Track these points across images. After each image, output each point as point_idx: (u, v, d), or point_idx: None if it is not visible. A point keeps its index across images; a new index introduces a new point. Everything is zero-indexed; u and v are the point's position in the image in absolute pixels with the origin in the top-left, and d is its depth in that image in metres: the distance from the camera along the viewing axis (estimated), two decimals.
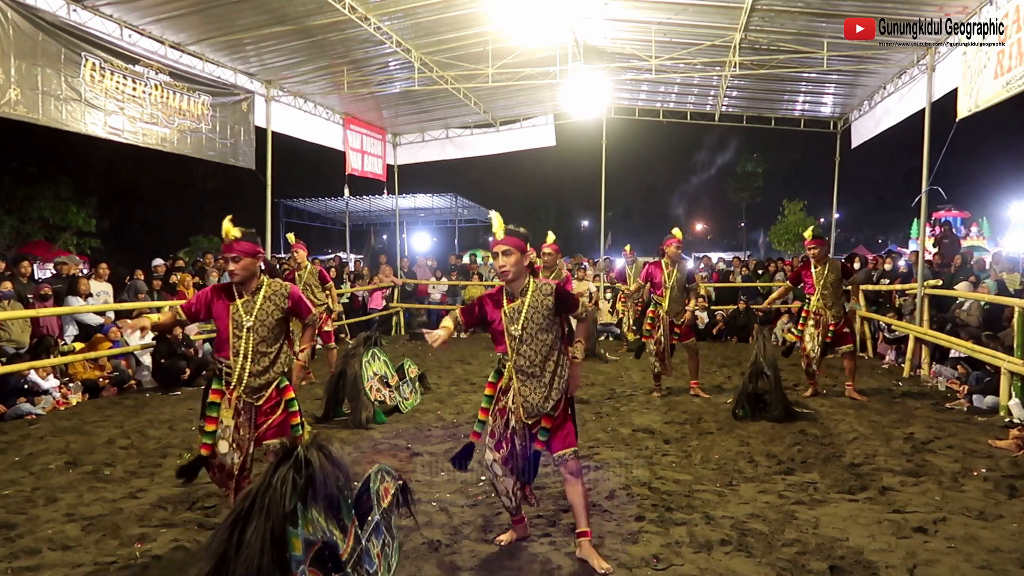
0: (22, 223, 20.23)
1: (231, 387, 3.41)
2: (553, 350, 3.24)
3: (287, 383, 3.55)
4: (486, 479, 4.29)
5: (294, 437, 3.45)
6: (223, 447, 3.37)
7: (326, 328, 7.71)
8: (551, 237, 7.29)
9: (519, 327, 3.20)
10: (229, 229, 3.40)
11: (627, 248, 12.42)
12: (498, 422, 3.30)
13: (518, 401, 3.24)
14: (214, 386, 3.48)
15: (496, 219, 3.23)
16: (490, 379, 3.39)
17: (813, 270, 6.82)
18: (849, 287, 7.22)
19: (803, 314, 6.94)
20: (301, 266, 7.65)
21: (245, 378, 3.39)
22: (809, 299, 6.89)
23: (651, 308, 7.03)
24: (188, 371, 7.97)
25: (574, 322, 3.48)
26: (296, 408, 3.54)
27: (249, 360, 3.39)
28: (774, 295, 7.51)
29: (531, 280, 3.28)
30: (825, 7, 8.12)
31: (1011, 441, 5.04)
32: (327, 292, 7.81)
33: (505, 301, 3.28)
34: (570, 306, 3.31)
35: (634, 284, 10.40)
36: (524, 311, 3.21)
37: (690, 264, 12.63)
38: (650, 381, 7.37)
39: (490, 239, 3.33)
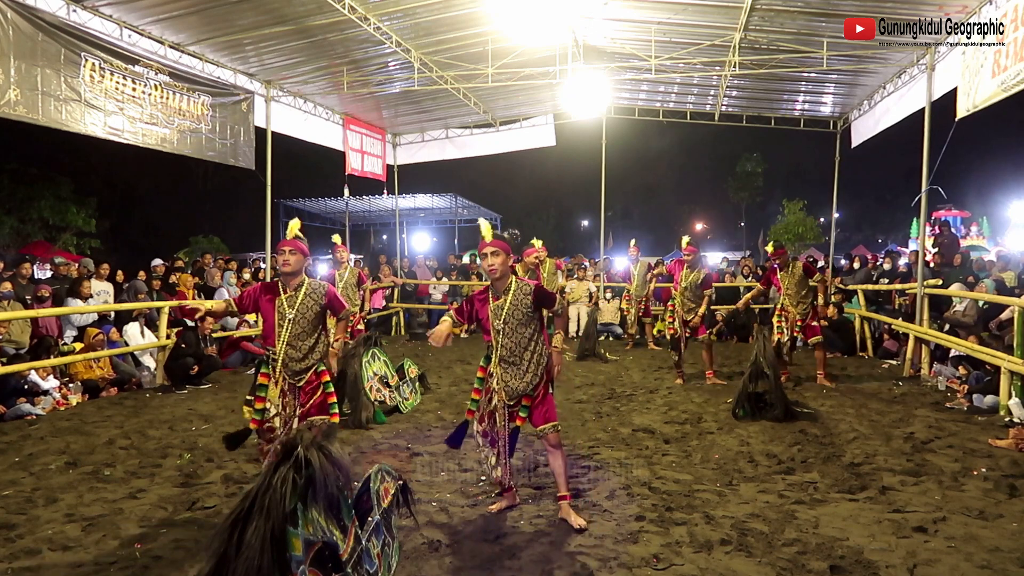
0: (22, 223, 20.23)
1: (276, 370, 3.96)
2: (532, 341, 3.71)
3: (324, 368, 4.06)
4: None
5: (323, 421, 3.95)
6: (276, 421, 3.95)
7: (358, 327, 8.10)
8: (538, 242, 7.93)
9: (501, 322, 3.67)
10: (293, 228, 4.02)
11: (632, 243, 11.74)
12: (483, 399, 3.84)
13: (500, 385, 3.74)
14: (263, 370, 4.02)
15: (484, 225, 3.70)
16: (481, 363, 3.89)
17: (779, 274, 7.70)
18: (816, 284, 7.75)
19: (777, 311, 7.82)
20: (342, 266, 7.95)
21: (287, 362, 3.93)
22: (779, 299, 7.80)
23: (670, 302, 8.06)
24: (196, 368, 7.97)
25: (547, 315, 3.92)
26: (332, 390, 4.05)
27: (290, 347, 3.94)
28: (747, 296, 8.23)
29: (513, 280, 3.72)
30: (825, 7, 8.11)
31: (1011, 440, 5.04)
32: (362, 293, 8.32)
33: (491, 299, 3.74)
34: (548, 302, 3.74)
35: (637, 281, 11.22)
36: (506, 308, 3.67)
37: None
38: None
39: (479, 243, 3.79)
